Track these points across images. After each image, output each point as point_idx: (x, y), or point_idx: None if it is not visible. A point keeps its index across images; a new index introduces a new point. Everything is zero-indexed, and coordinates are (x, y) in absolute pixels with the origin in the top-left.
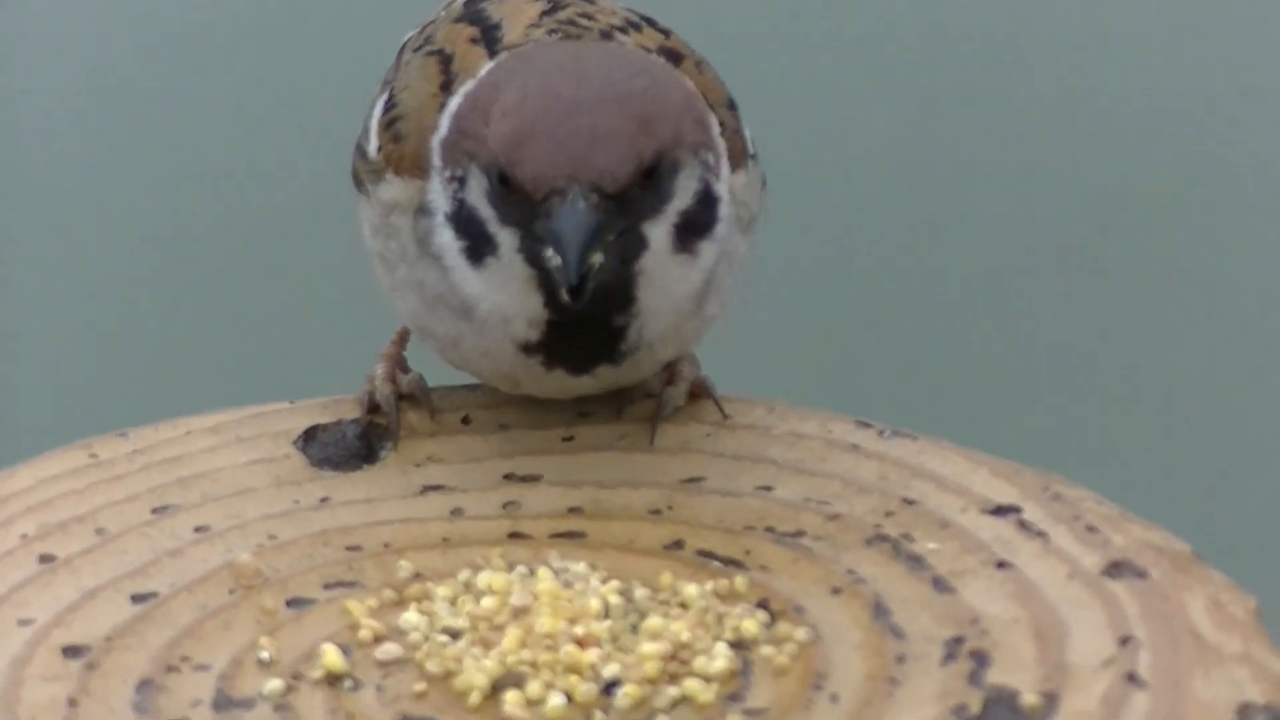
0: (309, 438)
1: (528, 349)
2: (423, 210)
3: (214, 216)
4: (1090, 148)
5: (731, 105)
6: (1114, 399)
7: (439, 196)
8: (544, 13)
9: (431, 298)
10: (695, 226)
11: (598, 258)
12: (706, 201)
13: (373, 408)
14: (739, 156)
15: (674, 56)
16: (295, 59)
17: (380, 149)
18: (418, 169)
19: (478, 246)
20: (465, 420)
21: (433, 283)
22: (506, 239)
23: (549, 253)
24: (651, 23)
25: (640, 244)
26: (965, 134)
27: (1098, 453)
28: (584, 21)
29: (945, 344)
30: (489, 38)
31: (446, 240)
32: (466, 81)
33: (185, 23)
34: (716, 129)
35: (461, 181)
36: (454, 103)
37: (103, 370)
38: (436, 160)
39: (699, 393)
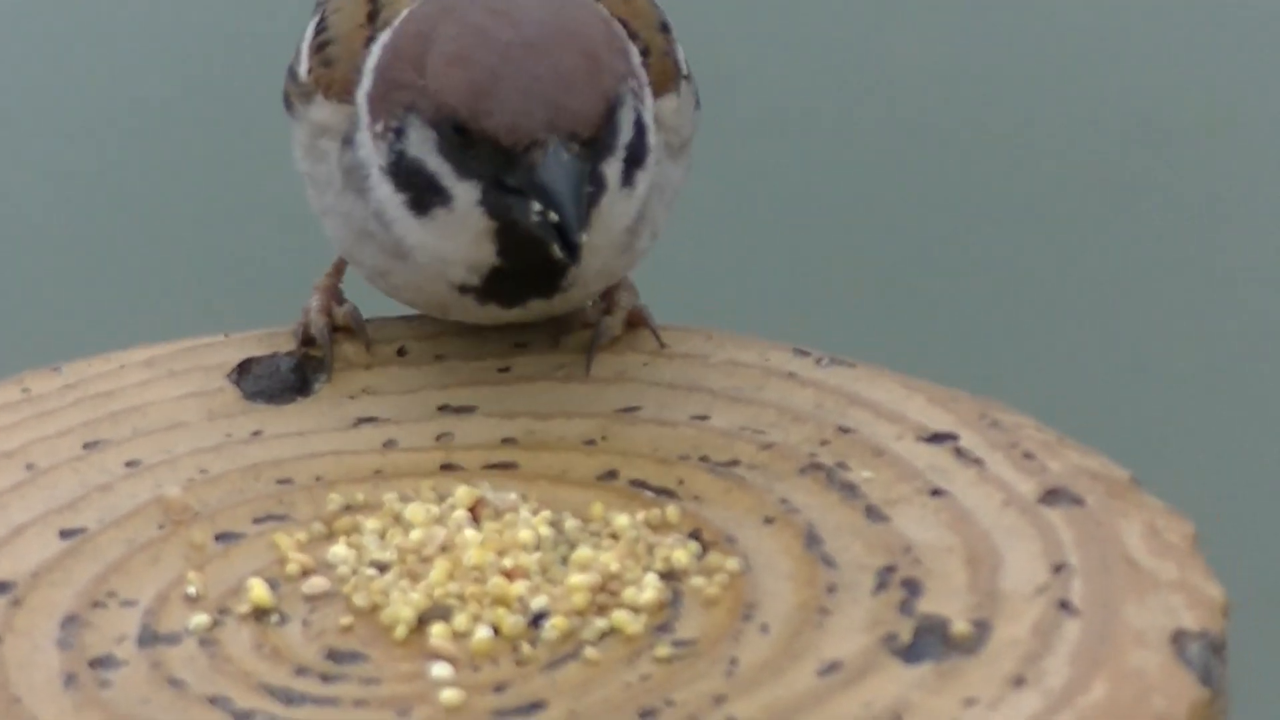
0: (243, 371)
1: (463, 289)
2: (349, 141)
3: (147, 144)
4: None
5: (664, 28)
6: (1060, 319)
7: (369, 150)
8: None
9: (359, 231)
10: (633, 159)
11: (584, 197)
12: (640, 132)
13: (307, 340)
14: (669, 79)
15: None
16: None
17: (310, 71)
18: (347, 94)
19: (424, 199)
20: (401, 352)
21: (360, 217)
22: (465, 192)
23: (535, 206)
24: None
25: (601, 184)
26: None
27: (1042, 377)
28: None
29: (891, 269)
30: None
31: (384, 193)
32: (386, 31)
33: None
34: (637, 57)
35: (398, 133)
36: (375, 53)
37: (35, 304)
38: (364, 114)
39: (636, 321)
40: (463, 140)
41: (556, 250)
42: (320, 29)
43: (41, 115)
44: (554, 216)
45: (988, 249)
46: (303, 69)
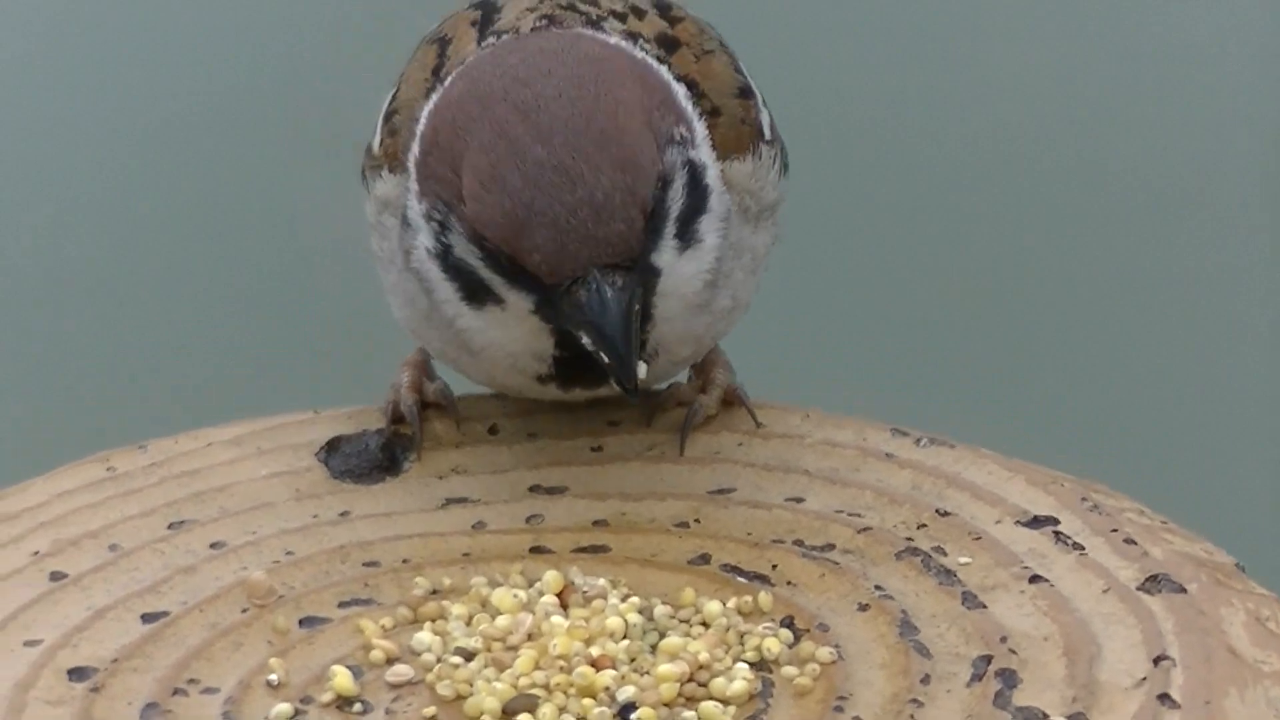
0: (331, 449)
1: (540, 379)
2: (407, 222)
3: (237, 223)
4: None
5: (743, 93)
6: (1167, 401)
7: (418, 221)
8: None
9: (423, 313)
10: (690, 216)
11: (636, 329)
12: (694, 183)
13: (397, 418)
14: (744, 142)
15: (670, 44)
16: (319, 62)
17: (381, 143)
18: (406, 163)
19: (476, 294)
20: (492, 430)
21: (423, 303)
22: (515, 300)
23: (584, 339)
24: (664, 9)
25: (653, 273)
26: (1011, 140)
27: (1147, 460)
28: (582, 5)
29: (989, 348)
30: (485, 19)
31: (435, 274)
32: (439, 88)
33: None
34: (686, 104)
35: (442, 226)
36: (423, 117)
37: (122, 381)
38: (412, 181)
39: (732, 400)
40: (503, 258)
41: (614, 384)
42: (391, 99)
43: (134, 187)
44: (605, 357)
45: (1090, 330)
46: (376, 140)
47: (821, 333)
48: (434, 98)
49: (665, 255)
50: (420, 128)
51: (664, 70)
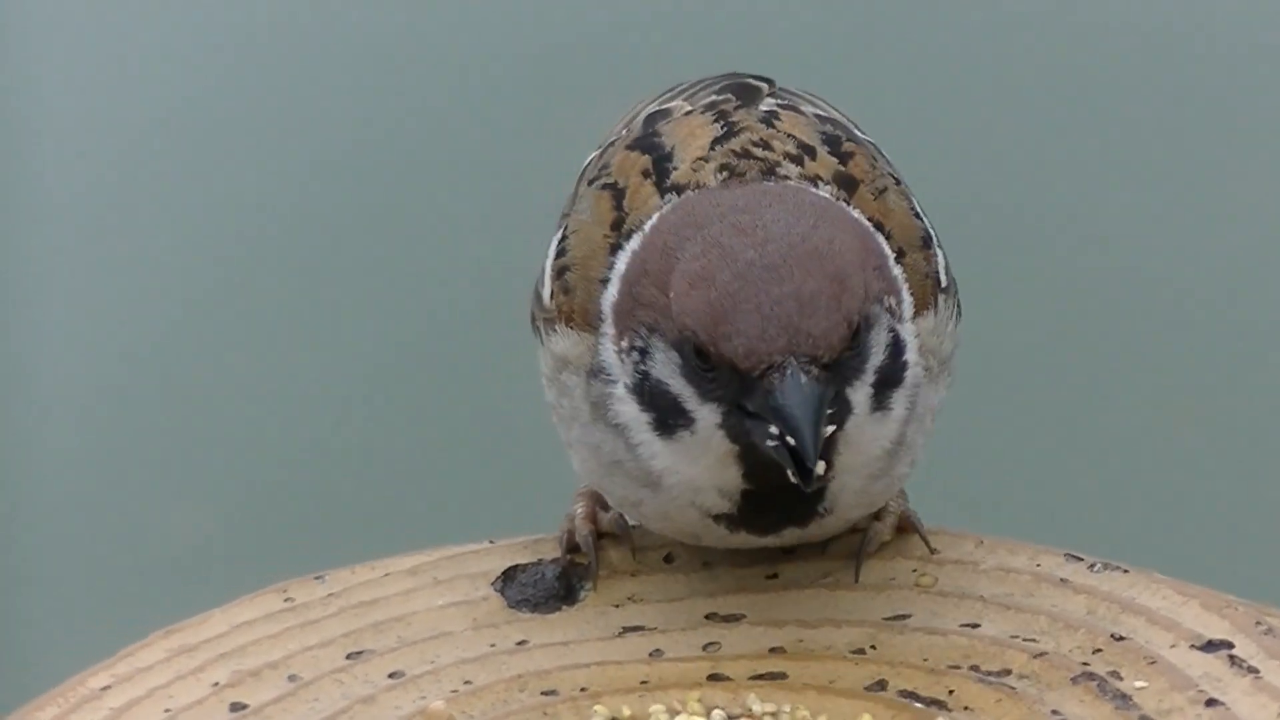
0: (507, 578)
1: (716, 518)
2: (595, 373)
3: (410, 355)
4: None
5: (925, 243)
6: None
7: (614, 364)
8: (716, 139)
9: (609, 463)
10: (887, 382)
11: (825, 431)
12: (896, 353)
13: (572, 547)
14: (927, 298)
15: (849, 184)
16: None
17: (552, 296)
18: (587, 324)
19: (668, 420)
20: (668, 559)
21: (610, 449)
22: (705, 414)
23: (772, 430)
24: (833, 143)
25: (846, 408)
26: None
27: None
28: (757, 151)
29: (1160, 471)
30: (659, 170)
31: (629, 412)
32: (633, 237)
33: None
34: (895, 268)
35: (643, 353)
36: (621, 263)
37: (299, 512)
38: (608, 325)
39: (906, 527)
40: (703, 363)
41: (791, 476)
42: (561, 250)
43: (311, 317)
44: (791, 440)
45: (1260, 445)
46: (546, 291)
47: (993, 458)
48: (634, 241)
49: (859, 396)
50: (620, 268)
51: (884, 242)
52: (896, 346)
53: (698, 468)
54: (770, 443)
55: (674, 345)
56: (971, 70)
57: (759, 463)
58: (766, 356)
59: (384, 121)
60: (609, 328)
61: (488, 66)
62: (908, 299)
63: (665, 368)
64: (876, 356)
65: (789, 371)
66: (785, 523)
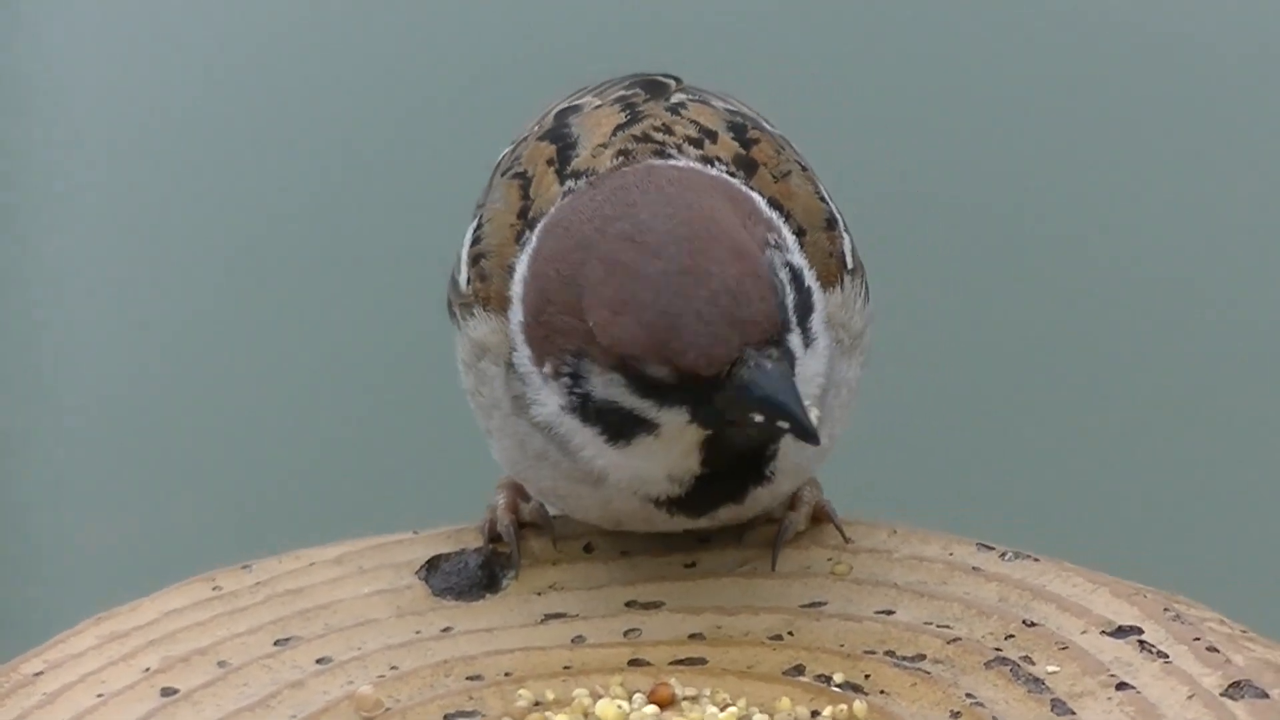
0: (431, 567)
1: (656, 503)
2: (513, 367)
3: (330, 347)
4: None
5: (829, 224)
6: (1246, 509)
7: (538, 381)
8: (619, 126)
9: (534, 456)
10: (803, 316)
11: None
12: (798, 282)
13: (494, 536)
14: (832, 275)
15: (748, 166)
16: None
17: (469, 282)
18: (503, 310)
19: (623, 430)
20: (587, 548)
21: (537, 446)
22: (671, 418)
23: (755, 418)
24: (738, 130)
25: (792, 359)
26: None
27: (1226, 568)
28: (656, 135)
29: (1071, 460)
30: (562, 157)
31: (569, 427)
32: (523, 255)
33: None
34: (773, 215)
35: (574, 377)
36: (518, 279)
37: (226, 502)
38: (521, 345)
39: (821, 517)
40: (653, 380)
41: (792, 440)
42: (476, 239)
43: (229, 307)
44: (783, 424)
45: (1167, 439)
46: (463, 278)
47: (905, 449)
48: (527, 252)
49: (795, 340)
50: (520, 290)
51: (742, 184)
52: (796, 275)
53: (653, 462)
54: (755, 427)
55: (616, 370)
56: (972, 70)
57: (724, 446)
58: (726, 357)
59: (384, 121)
60: (525, 350)
61: (498, 71)
62: (790, 234)
63: (610, 389)
64: (790, 294)
65: (752, 364)
66: (725, 500)
